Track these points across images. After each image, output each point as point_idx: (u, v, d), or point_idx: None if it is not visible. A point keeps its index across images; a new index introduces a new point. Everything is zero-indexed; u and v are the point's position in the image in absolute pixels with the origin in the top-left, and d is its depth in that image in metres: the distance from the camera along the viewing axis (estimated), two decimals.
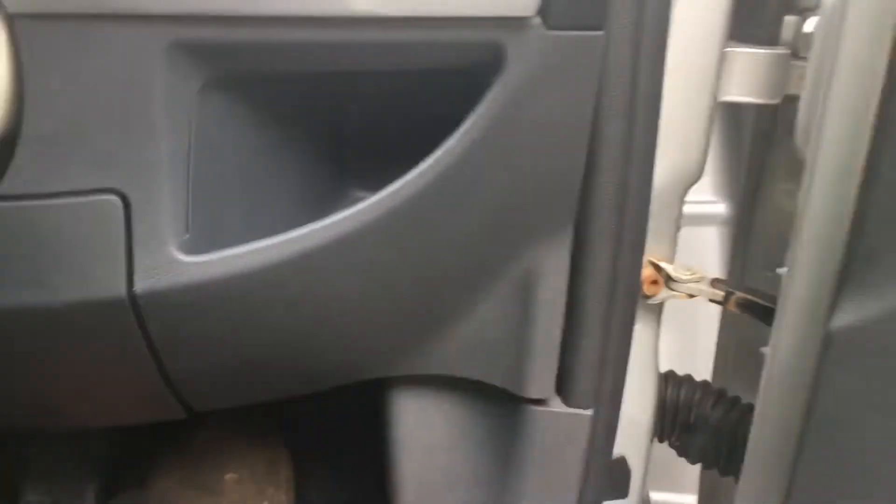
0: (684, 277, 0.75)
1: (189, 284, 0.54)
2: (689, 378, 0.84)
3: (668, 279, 0.75)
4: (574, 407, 0.71)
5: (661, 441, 0.84)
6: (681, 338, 0.98)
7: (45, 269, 0.52)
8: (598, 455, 0.73)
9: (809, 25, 0.68)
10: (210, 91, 0.54)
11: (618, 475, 0.80)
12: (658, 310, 0.78)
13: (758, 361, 0.68)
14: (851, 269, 0.59)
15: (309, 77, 0.64)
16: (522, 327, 0.68)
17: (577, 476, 0.73)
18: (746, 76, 0.69)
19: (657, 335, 0.80)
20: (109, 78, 0.50)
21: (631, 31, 0.59)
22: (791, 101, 0.71)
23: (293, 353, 0.65)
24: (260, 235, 0.56)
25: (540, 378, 0.70)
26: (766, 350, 0.67)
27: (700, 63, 0.67)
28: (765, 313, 0.71)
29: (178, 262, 0.54)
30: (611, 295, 0.68)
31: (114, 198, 0.52)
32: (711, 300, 0.76)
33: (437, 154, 0.56)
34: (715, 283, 0.76)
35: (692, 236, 0.86)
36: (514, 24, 0.53)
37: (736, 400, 0.80)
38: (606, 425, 0.73)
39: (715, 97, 0.69)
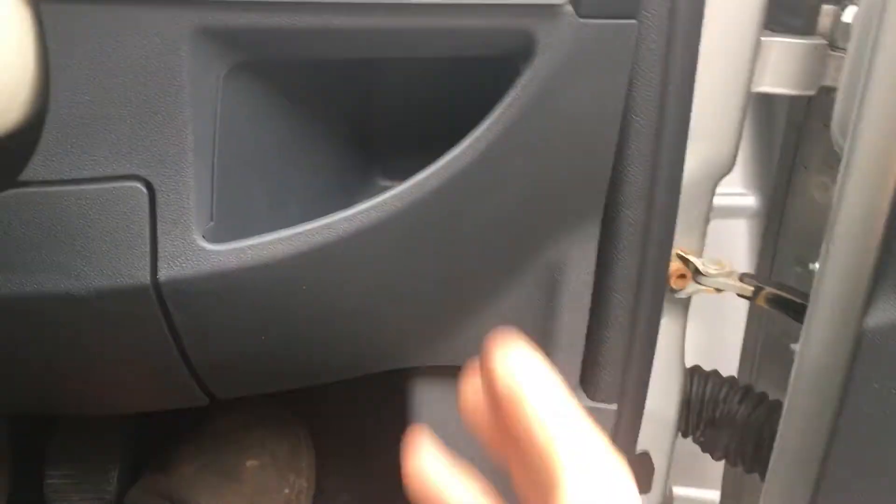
0: (713, 271, 0.74)
1: (213, 272, 0.54)
2: (715, 373, 0.83)
3: (696, 273, 0.74)
4: (598, 401, 0.70)
5: (685, 436, 0.83)
6: (707, 332, 0.96)
7: (68, 256, 0.52)
8: (622, 450, 0.72)
9: (848, 15, 0.67)
10: (236, 78, 0.54)
11: (641, 470, 0.79)
12: (685, 304, 0.77)
13: (785, 358, 0.67)
14: (887, 265, 0.57)
15: (336, 65, 0.63)
16: (547, 319, 0.68)
17: None
18: (782, 67, 0.68)
19: (683, 329, 0.79)
20: (134, 63, 0.49)
21: (664, 20, 0.58)
22: (827, 92, 0.69)
23: (316, 343, 0.65)
24: (285, 224, 0.55)
25: (564, 371, 0.68)
26: (796, 347, 0.65)
27: (734, 53, 0.65)
28: (796, 309, 0.70)
29: (202, 250, 0.53)
30: (637, 288, 0.67)
31: (138, 185, 0.52)
32: (740, 295, 0.75)
33: (465, 144, 0.55)
34: (744, 277, 0.74)
35: (720, 229, 0.85)
36: (544, 11, 0.52)
37: (763, 396, 0.79)
38: (630, 420, 0.72)
39: (749, 88, 0.67)
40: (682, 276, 0.74)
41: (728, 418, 0.79)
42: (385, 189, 0.57)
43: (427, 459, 0.34)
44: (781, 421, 0.68)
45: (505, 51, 0.55)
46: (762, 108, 0.93)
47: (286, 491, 0.96)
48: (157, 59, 0.50)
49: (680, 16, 0.58)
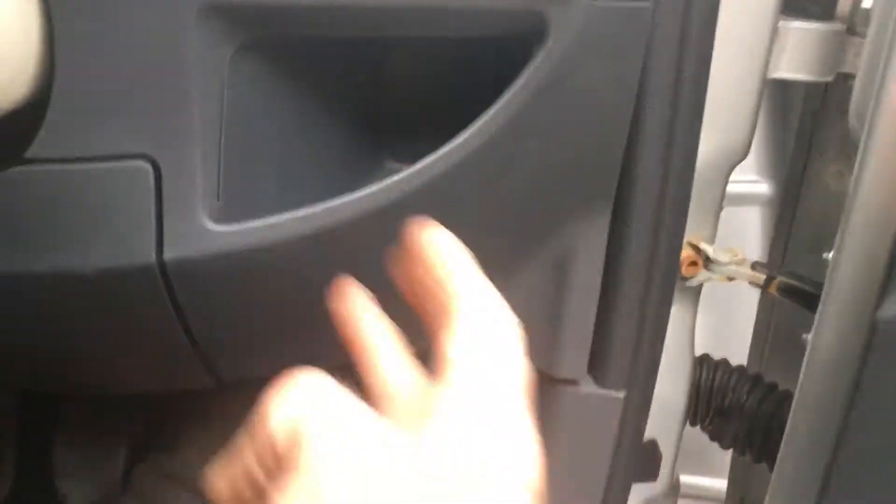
0: (724, 259, 0.73)
1: (219, 253, 0.53)
2: (724, 362, 0.82)
3: (708, 261, 0.73)
4: (606, 388, 0.70)
5: (693, 425, 0.83)
6: (717, 321, 0.96)
7: (74, 235, 0.52)
8: (629, 438, 0.72)
9: (867, 0, 0.66)
10: (243, 56, 0.53)
11: (648, 459, 0.79)
12: (696, 292, 0.77)
13: (796, 348, 0.67)
14: None
15: (345, 44, 0.62)
16: (556, 306, 0.67)
17: (607, 458, 0.72)
18: (799, 52, 0.67)
19: (693, 318, 0.78)
20: (139, 41, 0.49)
21: (680, 3, 0.57)
22: (844, 78, 0.68)
23: (322, 325, 0.64)
24: (292, 206, 0.54)
25: (572, 358, 0.68)
26: (808, 337, 0.65)
27: (751, 38, 0.64)
28: (808, 299, 0.69)
29: (207, 231, 0.53)
30: (648, 276, 0.66)
31: (144, 164, 0.51)
32: (751, 283, 0.74)
33: (475, 127, 0.55)
34: (756, 266, 0.74)
35: (732, 216, 0.84)
36: None
37: (773, 386, 0.79)
38: (638, 408, 0.72)
39: (765, 74, 0.66)
40: (694, 264, 0.73)
41: (737, 407, 0.79)
42: (394, 171, 0.56)
43: (356, 301, 0.41)
44: (792, 411, 0.67)
45: (517, 32, 0.54)
46: (777, 94, 0.91)
47: None
48: (162, 37, 0.49)
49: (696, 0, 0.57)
